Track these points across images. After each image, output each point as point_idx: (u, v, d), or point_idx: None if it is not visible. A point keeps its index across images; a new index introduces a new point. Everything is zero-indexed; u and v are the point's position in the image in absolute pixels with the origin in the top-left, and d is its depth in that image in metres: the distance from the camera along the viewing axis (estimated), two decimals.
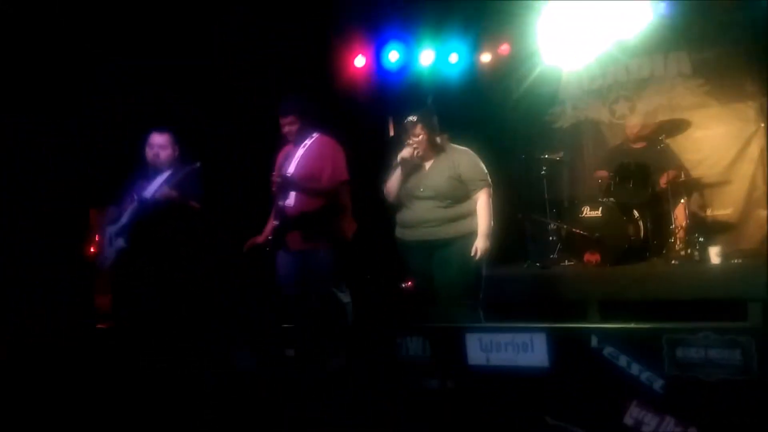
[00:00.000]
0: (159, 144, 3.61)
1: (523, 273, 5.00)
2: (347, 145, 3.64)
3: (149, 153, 3.61)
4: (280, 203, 3.47)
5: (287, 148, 3.66)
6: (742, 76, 5.10)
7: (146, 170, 3.64)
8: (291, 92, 3.80)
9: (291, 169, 3.52)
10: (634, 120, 5.42)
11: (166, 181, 3.52)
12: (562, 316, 4.24)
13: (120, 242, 3.46)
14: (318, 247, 3.48)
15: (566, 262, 4.99)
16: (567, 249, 5.02)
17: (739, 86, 5.13)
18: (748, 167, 5.11)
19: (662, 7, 4.85)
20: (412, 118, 3.31)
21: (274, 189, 3.47)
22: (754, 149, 5.09)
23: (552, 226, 5.13)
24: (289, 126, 3.58)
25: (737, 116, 5.17)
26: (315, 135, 3.62)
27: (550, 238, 5.13)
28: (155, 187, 3.54)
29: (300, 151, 3.59)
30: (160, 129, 3.66)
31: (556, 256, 5.06)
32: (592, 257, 4.79)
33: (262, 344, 2.91)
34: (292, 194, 3.49)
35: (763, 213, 5.02)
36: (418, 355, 2.53)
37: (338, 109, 4.98)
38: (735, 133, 5.17)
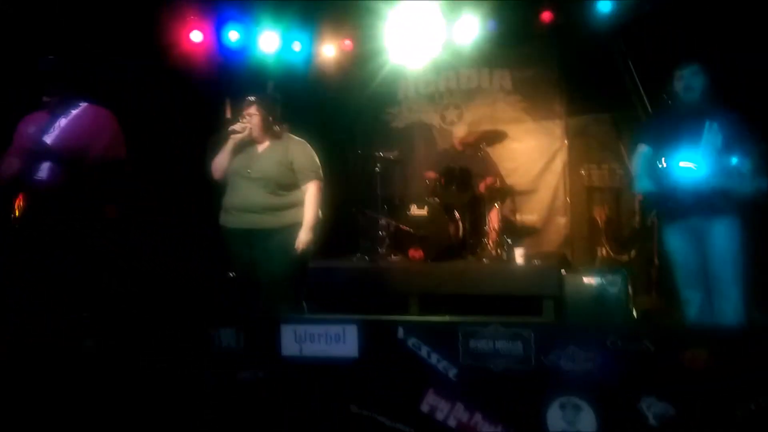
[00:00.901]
0: None
1: (352, 266, 5.12)
2: (182, 123, 3.38)
3: None
4: (31, 176, 3.02)
5: (40, 115, 3.19)
6: (552, 97, 5.74)
7: None
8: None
9: (50, 138, 3.07)
10: (461, 127, 5.84)
11: None
12: (386, 309, 4.43)
13: None
14: (74, 228, 3.06)
15: (393, 257, 5.21)
16: (394, 244, 5.23)
17: (549, 106, 5.76)
18: (552, 179, 5.76)
19: (489, 24, 5.28)
20: (250, 97, 3.32)
21: (24, 159, 3.03)
22: (558, 163, 5.75)
23: (382, 221, 5.31)
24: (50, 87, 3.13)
25: (546, 132, 5.80)
26: (83, 104, 3.21)
27: (380, 233, 5.30)
28: None
29: (62, 120, 3.14)
30: None
31: (384, 250, 5.25)
32: (416, 253, 5.06)
33: (57, 334, 2.63)
34: (46, 166, 3.05)
35: (561, 220, 5.70)
36: (232, 347, 2.47)
37: (167, 84, 4.70)
38: (544, 148, 5.80)
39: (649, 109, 4.54)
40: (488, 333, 2.09)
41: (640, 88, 4.68)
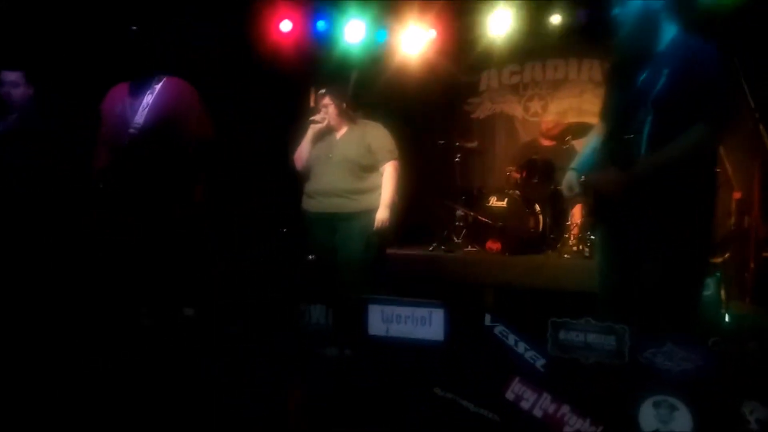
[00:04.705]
0: (10, 81, 3.24)
1: (428, 255, 5.14)
2: (266, 111, 3.45)
3: None
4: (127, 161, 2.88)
5: (120, 92, 3.00)
6: None
7: None
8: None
9: (142, 117, 2.89)
10: (548, 118, 5.70)
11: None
12: (460, 299, 4.42)
13: None
14: (166, 211, 2.95)
15: (469, 248, 5.18)
16: (471, 235, 5.21)
17: None
18: None
19: (580, 14, 5.12)
20: (322, 90, 3.47)
21: (122, 144, 2.88)
22: None
23: (460, 212, 5.29)
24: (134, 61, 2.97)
25: None
26: (164, 78, 2.99)
27: (457, 224, 5.30)
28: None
29: (149, 97, 2.93)
30: (11, 66, 3.24)
31: (460, 241, 5.24)
32: (493, 245, 5.01)
33: (160, 301, 2.81)
34: (139, 148, 2.89)
35: None
36: (320, 323, 2.55)
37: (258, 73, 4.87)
38: None
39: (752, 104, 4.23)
40: (579, 326, 2.05)
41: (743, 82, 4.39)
